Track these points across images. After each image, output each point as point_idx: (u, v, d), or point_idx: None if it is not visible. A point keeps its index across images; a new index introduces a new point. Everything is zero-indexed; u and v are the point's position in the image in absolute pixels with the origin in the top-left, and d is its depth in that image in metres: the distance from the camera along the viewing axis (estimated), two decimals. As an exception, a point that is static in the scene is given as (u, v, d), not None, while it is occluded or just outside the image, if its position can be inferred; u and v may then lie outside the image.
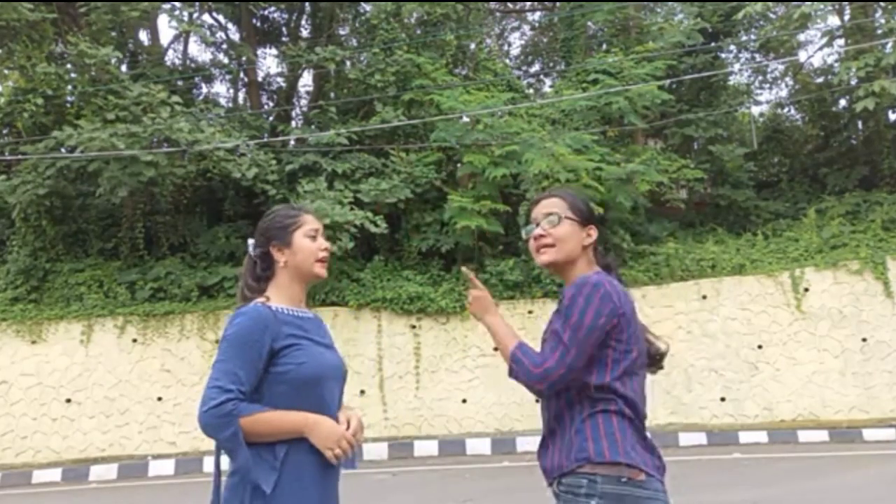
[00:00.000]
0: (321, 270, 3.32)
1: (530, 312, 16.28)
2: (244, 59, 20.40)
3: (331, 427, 3.04)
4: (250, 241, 3.37)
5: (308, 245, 3.27)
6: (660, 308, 16.29)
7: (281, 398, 3.06)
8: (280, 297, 3.25)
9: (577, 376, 2.93)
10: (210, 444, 3.12)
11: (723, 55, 22.49)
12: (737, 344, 15.99)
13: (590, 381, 2.95)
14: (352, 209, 15.88)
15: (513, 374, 3.02)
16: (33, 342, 15.90)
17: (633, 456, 2.89)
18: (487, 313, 3.21)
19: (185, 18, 19.37)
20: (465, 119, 17.95)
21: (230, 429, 2.93)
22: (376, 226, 16.04)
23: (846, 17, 19.72)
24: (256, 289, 3.29)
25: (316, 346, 3.18)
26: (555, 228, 3.16)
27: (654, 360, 3.28)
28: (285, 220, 3.31)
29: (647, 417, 3.13)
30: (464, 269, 3.68)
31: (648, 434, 3.09)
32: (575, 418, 2.98)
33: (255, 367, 3.03)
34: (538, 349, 3.00)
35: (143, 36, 21.02)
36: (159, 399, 15.59)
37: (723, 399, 15.77)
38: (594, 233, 3.18)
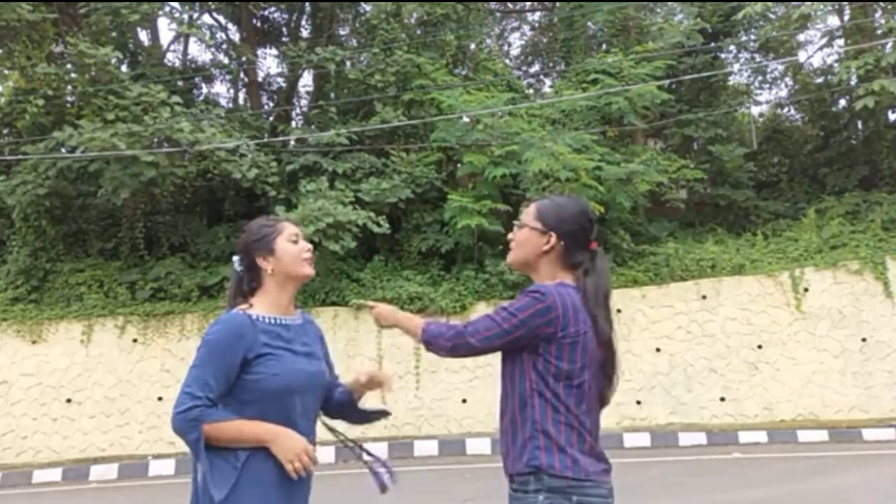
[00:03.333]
0: (308, 269, 3.41)
1: (530, 312, 16.25)
2: (244, 59, 20.41)
3: (292, 440, 3.11)
4: (235, 258, 3.46)
5: (291, 248, 3.37)
6: (660, 308, 16.31)
7: (251, 405, 3.15)
8: (265, 305, 3.33)
9: (523, 377, 3.17)
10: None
11: (722, 55, 22.51)
12: (737, 344, 16.00)
13: (539, 386, 3.12)
14: (354, 209, 15.89)
15: (426, 340, 3.31)
16: (34, 342, 15.89)
17: (578, 469, 3.07)
18: (394, 316, 3.53)
19: (185, 20, 19.33)
20: (466, 119, 17.97)
21: (194, 434, 3.03)
22: (379, 226, 16.05)
23: (846, 18, 19.75)
24: (242, 302, 3.38)
25: (293, 356, 3.25)
26: (517, 233, 3.38)
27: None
28: (264, 229, 3.42)
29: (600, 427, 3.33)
30: (354, 301, 4.01)
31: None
32: (527, 424, 3.14)
33: (227, 374, 3.12)
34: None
35: (143, 36, 21.01)
36: (159, 399, 15.59)
37: (723, 399, 15.78)
38: (553, 241, 3.25)
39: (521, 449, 3.12)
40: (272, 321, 3.28)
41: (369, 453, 3.66)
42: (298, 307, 3.51)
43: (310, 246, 3.44)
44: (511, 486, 3.17)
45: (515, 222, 3.41)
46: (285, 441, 3.09)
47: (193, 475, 3.18)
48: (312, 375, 3.31)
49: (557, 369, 3.09)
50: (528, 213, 3.36)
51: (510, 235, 3.42)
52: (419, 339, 3.31)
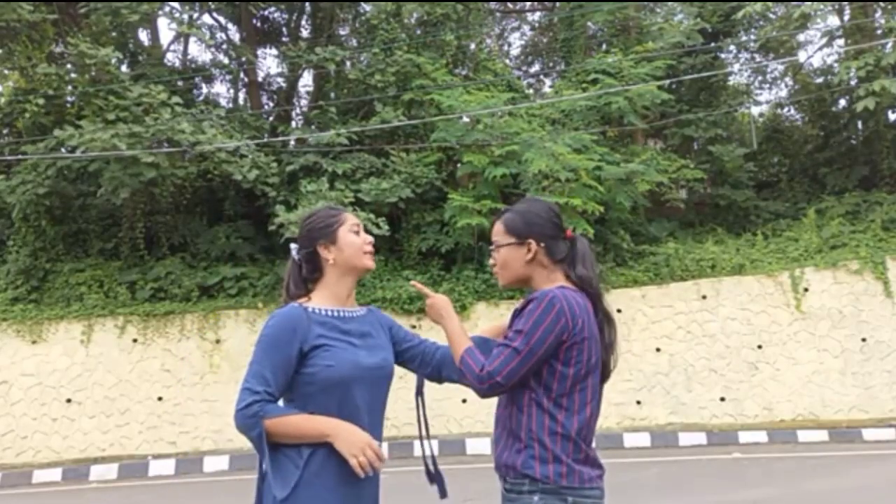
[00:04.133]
0: (370, 262, 3.39)
1: (530, 312, 16.27)
2: (244, 59, 20.41)
3: (354, 434, 3.04)
4: (293, 246, 3.43)
5: (354, 239, 3.35)
6: (660, 308, 16.32)
7: (311, 399, 3.12)
8: (324, 297, 3.33)
9: (521, 384, 3.13)
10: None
11: (722, 55, 22.53)
12: (737, 344, 16.01)
13: (537, 395, 3.13)
14: (354, 209, 15.90)
15: (461, 375, 3.25)
16: (34, 342, 15.89)
17: (573, 478, 3.07)
18: (443, 317, 3.37)
19: (185, 20, 19.33)
20: (465, 119, 17.96)
21: (255, 430, 3.00)
22: (379, 227, 16.06)
23: (846, 17, 19.76)
24: (300, 292, 3.38)
25: (352, 348, 3.22)
26: (496, 256, 3.37)
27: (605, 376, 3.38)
28: (328, 219, 3.39)
29: (597, 430, 3.32)
30: (412, 282, 3.78)
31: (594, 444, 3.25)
32: (522, 432, 3.17)
33: (285, 368, 3.10)
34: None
35: (144, 36, 21.02)
36: (160, 399, 15.59)
37: (723, 399, 15.79)
38: (533, 246, 3.26)
39: (514, 455, 3.15)
40: (329, 313, 3.27)
41: (434, 460, 3.66)
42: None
43: (371, 239, 3.43)
44: (504, 485, 3.19)
45: (490, 247, 3.42)
46: (348, 435, 3.04)
47: (259, 473, 3.16)
48: (373, 367, 3.26)
49: (562, 375, 3.09)
50: (497, 232, 3.37)
51: (491, 261, 3.44)
52: (456, 362, 3.24)
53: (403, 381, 15.60)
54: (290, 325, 3.14)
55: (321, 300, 3.31)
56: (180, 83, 19.21)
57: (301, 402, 3.14)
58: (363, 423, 3.13)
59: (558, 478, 3.05)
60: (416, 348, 3.58)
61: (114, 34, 18.37)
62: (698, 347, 16.04)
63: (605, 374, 3.32)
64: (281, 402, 3.19)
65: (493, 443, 3.35)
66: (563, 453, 3.07)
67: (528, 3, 28.51)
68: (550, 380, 3.10)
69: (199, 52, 24.08)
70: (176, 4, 20.17)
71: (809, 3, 19.19)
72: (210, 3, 21.33)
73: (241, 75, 21.54)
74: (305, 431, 3.05)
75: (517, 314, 3.15)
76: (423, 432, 3.68)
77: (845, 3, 19.59)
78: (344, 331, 3.25)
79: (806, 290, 16.14)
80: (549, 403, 3.10)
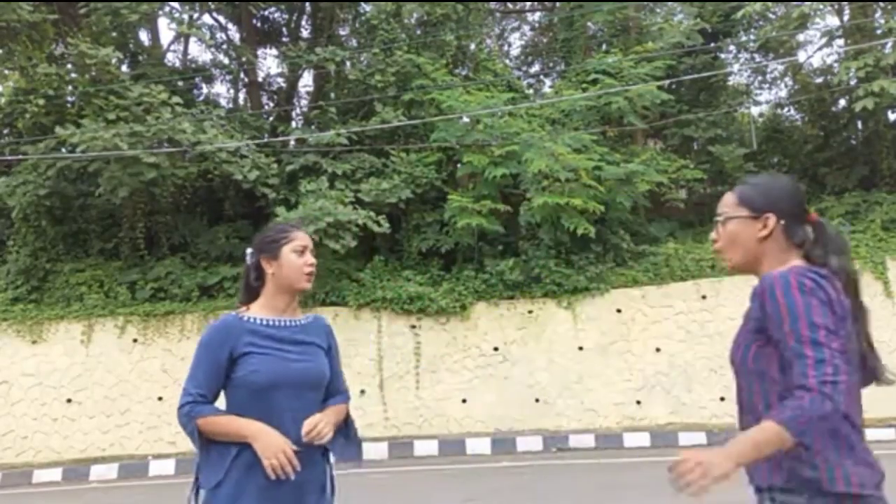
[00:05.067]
0: (305, 284, 3.51)
1: (530, 312, 16.30)
2: (244, 59, 20.43)
3: (271, 439, 3.21)
4: (248, 251, 3.62)
5: (294, 260, 3.48)
6: (660, 308, 16.31)
7: (238, 402, 3.34)
8: (262, 307, 3.51)
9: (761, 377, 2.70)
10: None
11: (722, 55, 22.51)
12: (736, 344, 15.99)
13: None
14: (354, 209, 15.92)
15: (798, 433, 2.46)
16: (34, 342, 15.92)
17: (850, 483, 2.62)
18: (729, 461, 2.57)
19: (185, 20, 19.34)
20: (465, 119, 17.97)
21: (189, 427, 3.28)
22: (379, 225, 16.07)
23: (845, 18, 19.74)
24: (249, 297, 3.57)
25: (280, 354, 3.37)
26: (722, 230, 2.97)
27: (869, 373, 2.96)
28: (276, 234, 3.55)
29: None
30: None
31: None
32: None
33: (216, 372, 3.34)
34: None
35: (144, 36, 21.05)
36: (160, 399, 15.61)
37: (722, 399, 15.76)
38: (771, 222, 2.84)
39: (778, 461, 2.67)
40: (263, 322, 3.44)
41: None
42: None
43: (314, 261, 3.55)
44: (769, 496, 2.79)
45: (717, 219, 3.00)
46: (265, 438, 3.20)
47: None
48: (301, 374, 3.39)
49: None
50: (727, 203, 2.96)
51: (713, 235, 3.03)
52: (790, 441, 2.46)
53: (403, 381, 15.60)
54: (223, 332, 3.38)
55: (259, 310, 3.49)
56: (180, 83, 19.23)
57: (234, 403, 3.35)
58: (286, 428, 3.27)
59: (833, 482, 2.61)
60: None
61: (114, 34, 18.40)
62: (698, 347, 16.03)
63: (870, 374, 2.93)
64: (223, 402, 3.40)
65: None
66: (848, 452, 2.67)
67: (528, 4, 28.53)
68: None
69: (199, 52, 24.12)
70: (176, 4, 20.23)
71: (809, 3, 19.20)
72: (210, 3, 21.34)
73: (242, 75, 21.58)
74: (229, 431, 3.26)
75: (760, 311, 2.72)
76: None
77: (845, 3, 19.59)
78: (276, 338, 3.41)
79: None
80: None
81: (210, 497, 3.26)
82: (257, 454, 3.20)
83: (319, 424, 3.24)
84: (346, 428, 3.62)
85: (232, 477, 3.24)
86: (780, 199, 2.87)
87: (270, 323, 3.44)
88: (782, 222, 2.84)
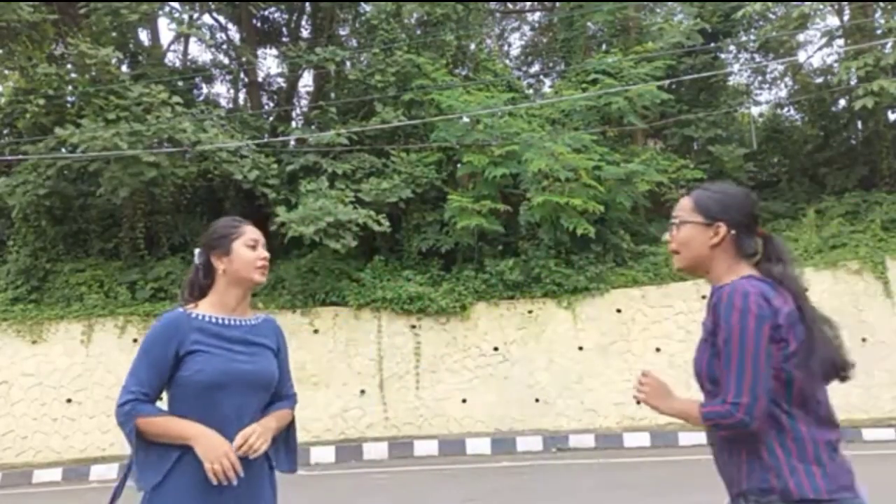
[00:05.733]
0: (259, 276, 3.43)
1: (530, 312, 16.32)
2: (244, 59, 20.46)
3: (213, 442, 3.11)
4: (196, 251, 3.52)
5: (247, 253, 3.40)
6: (660, 308, 16.34)
7: (184, 402, 3.21)
8: (211, 304, 3.40)
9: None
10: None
11: (722, 55, 22.53)
12: (736, 343, 15.99)
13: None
14: (354, 208, 15.94)
15: (712, 425, 2.82)
16: (34, 342, 15.93)
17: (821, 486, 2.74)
18: (664, 400, 3.07)
19: (185, 20, 19.35)
20: (465, 119, 17.99)
21: (127, 427, 3.14)
22: (379, 224, 16.09)
23: (845, 18, 19.76)
24: (194, 296, 3.46)
25: (228, 354, 3.27)
26: (676, 233, 3.09)
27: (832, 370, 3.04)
28: (227, 230, 3.46)
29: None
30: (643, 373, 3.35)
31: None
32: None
33: (159, 369, 3.21)
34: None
35: (144, 36, 21.06)
36: (160, 399, 15.59)
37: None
38: (722, 231, 2.96)
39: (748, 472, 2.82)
40: (212, 319, 3.34)
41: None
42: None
43: (266, 255, 3.48)
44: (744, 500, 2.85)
45: (671, 221, 3.12)
46: (206, 441, 3.11)
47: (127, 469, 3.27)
48: (248, 374, 3.29)
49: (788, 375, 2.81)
50: (684, 207, 3.07)
51: (666, 237, 3.16)
52: (700, 421, 2.83)
53: (403, 381, 15.62)
54: (169, 329, 3.25)
55: (207, 307, 3.38)
56: (181, 83, 19.24)
57: (176, 404, 3.23)
58: (230, 430, 3.17)
59: (801, 488, 2.73)
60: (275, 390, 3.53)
61: (114, 34, 18.38)
62: (698, 347, 16.04)
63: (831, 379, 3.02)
64: (165, 402, 3.29)
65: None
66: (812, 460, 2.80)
67: (528, 4, 28.56)
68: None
69: (199, 53, 24.15)
70: (176, 4, 20.25)
71: (809, 3, 19.22)
72: (210, 3, 21.36)
73: (242, 75, 21.61)
74: (170, 433, 3.14)
75: (716, 316, 2.88)
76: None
77: (845, 3, 19.61)
78: (225, 338, 3.31)
79: (806, 289, 16.09)
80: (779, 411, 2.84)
81: (151, 498, 3.15)
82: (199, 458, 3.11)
83: (251, 437, 3.12)
84: (286, 435, 3.51)
85: (171, 480, 3.14)
86: (732, 209, 2.99)
87: (220, 321, 3.35)
88: (733, 232, 2.96)
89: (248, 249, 3.41)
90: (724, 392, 2.76)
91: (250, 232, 3.46)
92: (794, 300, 2.92)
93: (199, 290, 3.47)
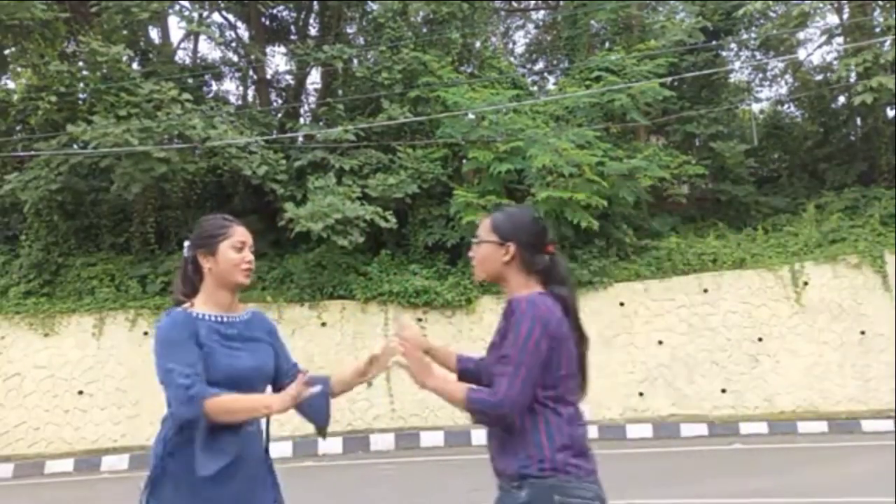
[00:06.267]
0: (243, 279, 3.46)
1: (535, 306, 16.45)
2: (253, 57, 20.55)
3: (279, 396, 3.16)
4: (186, 244, 3.54)
5: (232, 256, 3.43)
6: (662, 301, 16.50)
7: None
8: (206, 303, 3.43)
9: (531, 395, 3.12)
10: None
11: (723, 53, 22.66)
12: (737, 336, 16.19)
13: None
14: (362, 204, 16.09)
15: (475, 416, 3.15)
16: (46, 335, 16.03)
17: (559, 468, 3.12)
18: (429, 377, 3.30)
19: (195, 18, 19.49)
20: (471, 116, 18.07)
21: (193, 409, 3.14)
22: (386, 220, 16.23)
23: (845, 16, 19.92)
24: (187, 291, 3.50)
25: (232, 352, 3.33)
26: (476, 249, 3.42)
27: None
28: (214, 230, 3.48)
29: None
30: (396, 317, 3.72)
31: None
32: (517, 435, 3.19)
33: (197, 354, 3.24)
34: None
35: (154, 34, 21.22)
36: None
37: (724, 391, 15.97)
38: (511, 249, 3.29)
39: (512, 456, 3.17)
40: (213, 318, 3.38)
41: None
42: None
43: (251, 258, 3.51)
44: (502, 485, 3.24)
45: (473, 239, 3.47)
46: (278, 397, 3.17)
47: (157, 458, 3.30)
48: (252, 370, 3.37)
49: (554, 378, 3.15)
50: (484, 227, 3.42)
51: (470, 253, 3.50)
52: (463, 406, 3.15)
53: (406, 373, 15.76)
54: (186, 323, 3.29)
55: (203, 306, 3.41)
56: (190, 80, 19.29)
57: None
58: (240, 424, 3.27)
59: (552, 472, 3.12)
60: (281, 365, 3.62)
61: (125, 32, 18.44)
62: (700, 340, 16.23)
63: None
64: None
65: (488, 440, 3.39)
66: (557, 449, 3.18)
67: (533, 2, 28.68)
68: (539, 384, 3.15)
69: (208, 50, 24.21)
70: (186, 3, 20.32)
71: (809, 1, 19.37)
72: (219, 1, 21.48)
73: (251, 73, 21.67)
74: (240, 404, 3.18)
75: (506, 321, 3.20)
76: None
77: (844, 1, 19.77)
78: (226, 336, 3.36)
79: (806, 283, 16.31)
80: (540, 406, 3.19)
81: (199, 484, 3.17)
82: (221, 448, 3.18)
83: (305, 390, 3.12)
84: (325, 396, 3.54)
85: (170, 475, 3.23)
86: (521, 231, 3.35)
87: (219, 319, 3.38)
88: (521, 251, 3.31)
89: (234, 252, 3.43)
90: (497, 385, 3.07)
91: (239, 234, 3.48)
92: (570, 317, 3.27)
93: (192, 286, 3.49)
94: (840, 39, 20.36)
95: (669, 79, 19.25)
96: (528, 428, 3.12)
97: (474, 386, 3.22)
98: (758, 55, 23.60)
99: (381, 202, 16.70)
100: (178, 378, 3.15)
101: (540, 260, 3.34)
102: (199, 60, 22.27)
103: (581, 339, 3.33)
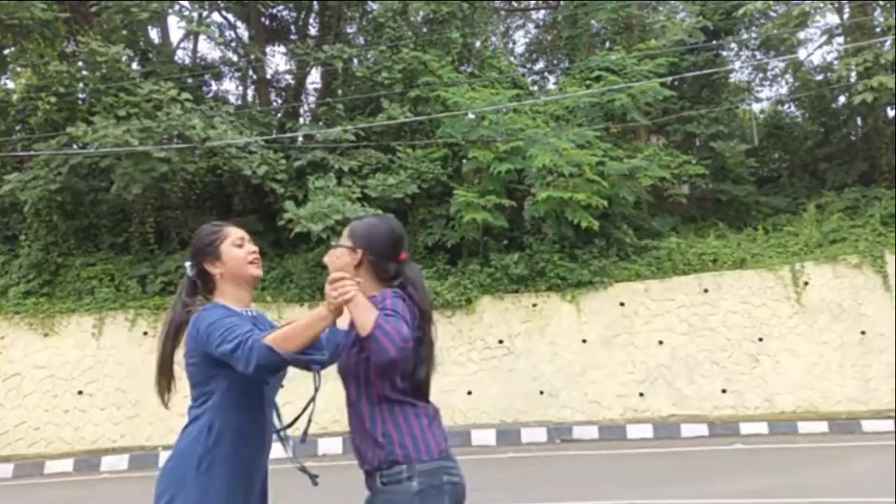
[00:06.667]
0: (255, 270, 3.60)
1: (534, 305, 16.49)
2: (253, 56, 20.55)
3: (327, 308, 3.05)
4: (187, 264, 3.62)
5: (237, 252, 3.55)
6: (662, 301, 16.49)
7: (225, 392, 3.34)
8: (227, 300, 3.50)
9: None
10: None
11: (724, 53, 22.64)
12: (738, 336, 16.18)
13: (383, 390, 3.38)
14: (362, 205, 16.09)
15: (376, 335, 3.05)
16: (46, 335, 16.07)
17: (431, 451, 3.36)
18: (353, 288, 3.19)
19: (195, 18, 19.49)
20: (471, 115, 18.05)
21: (256, 356, 3.06)
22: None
23: (845, 16, 19.91)
24: (191, 303, 3.52)
25: None
26: (334, 251, 3.59)
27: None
28: (210, 236, 3.59)
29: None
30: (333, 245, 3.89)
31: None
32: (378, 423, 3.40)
33: (242, 317, 3.36)
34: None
35: (154, 34, 21.21)
36: (169, 391, 15.72)
37: (724, 391, 15.97)
38: (358, 255, 3.47)
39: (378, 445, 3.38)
40: (241, 312, 3.47)
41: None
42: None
43: (255, 249, 3.63)
44: (379, 479, 3.42)
45: (332, 243, 3.68)
46: (318, 309, 3.12)
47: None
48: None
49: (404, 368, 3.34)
50: (345, 234, 3.61)
51: (326, 258, 3.65)
52: (367, 330, 3.07)
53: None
54: (222, 306, 3.39)
55: (227, 302, 3.48)
56: (190, 80, 19.31)
57: (217, 393, 3.34)
58: (266, 414, 3.47)
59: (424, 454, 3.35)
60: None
61: (124, 32, 18.46)
62: (700, 340, 16.23)
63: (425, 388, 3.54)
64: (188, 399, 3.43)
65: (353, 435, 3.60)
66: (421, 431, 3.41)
67: (533, 2, 28.66)
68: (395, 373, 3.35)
69: (208, 50, 24.22)
70: (186, 3, 20.34)
71: (809, 1, 19.37)
72: (219, 1, 21.48)
73: (250, 72, 21.65)
74: (299, 327, 3.09)
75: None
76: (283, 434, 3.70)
77: (844, 1, 19.77)
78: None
79: (806, 283, 16.31)
80: (397, 394, 3.42)
81: (197, 477, 3.28)
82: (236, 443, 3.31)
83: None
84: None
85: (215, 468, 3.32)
86: (373, 239, 3.53)
87: (246, 315, 3.48)
88: (370, 259, 3.50)
89: (236, 248, 3.54)
90: (399, 326, 3.12)
91: (234, 232, 3.60)
92: (422, 317, 3.44)
93: (198, 299, 3.54)
94: (840, 39, 20.35)
95: (670, 78, 19.25)
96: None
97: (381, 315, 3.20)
98: (758, 55, 23.59)
99: (381, 202, 16.70)
100: (235, 336, 3.14)
101: (390, 267, 3.52)
102: (198, 60, 22.27)
103: (423, 341, 3.47)
